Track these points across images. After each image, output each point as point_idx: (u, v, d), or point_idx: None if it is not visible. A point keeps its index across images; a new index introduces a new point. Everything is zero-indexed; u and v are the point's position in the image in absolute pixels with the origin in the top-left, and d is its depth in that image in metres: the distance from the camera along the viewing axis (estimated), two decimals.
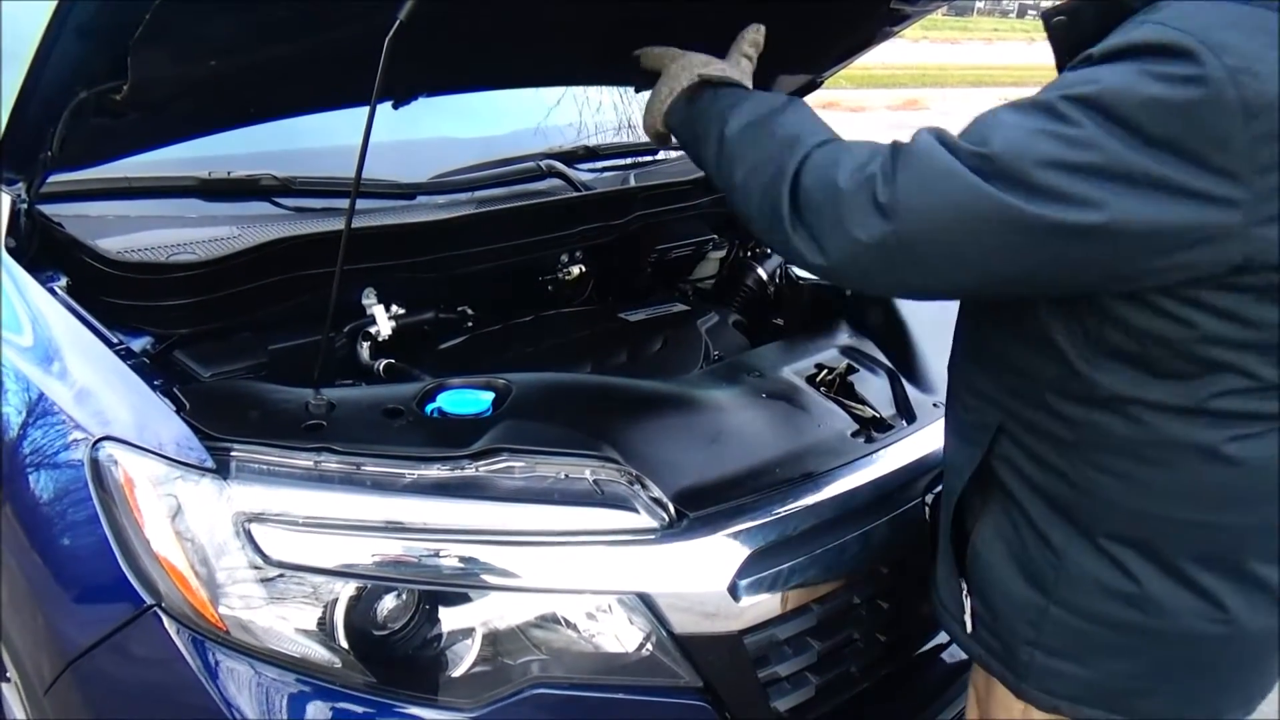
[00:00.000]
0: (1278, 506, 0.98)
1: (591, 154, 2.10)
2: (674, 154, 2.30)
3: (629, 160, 2.18)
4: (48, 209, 1.41)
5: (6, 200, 1.35)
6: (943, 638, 1.49)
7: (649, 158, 2.24)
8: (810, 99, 2.37)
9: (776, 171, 1.02)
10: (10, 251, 1.33)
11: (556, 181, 1.92)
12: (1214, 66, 0.81)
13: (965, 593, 1.17)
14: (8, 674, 1.49)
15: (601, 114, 2.35)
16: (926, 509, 1.41)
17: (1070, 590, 1.05)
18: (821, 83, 2.27)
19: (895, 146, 0.95)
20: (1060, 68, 1.03)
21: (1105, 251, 0.88)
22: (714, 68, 1.24)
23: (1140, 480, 0.99)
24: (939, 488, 1.42)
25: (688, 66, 1.24)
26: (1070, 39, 1.01)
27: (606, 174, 2.05)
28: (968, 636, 1.18)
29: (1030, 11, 38.62)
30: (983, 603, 1.14)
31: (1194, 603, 1.00)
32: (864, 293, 1.10)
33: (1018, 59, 19.31)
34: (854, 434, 1.46)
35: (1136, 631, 1.03)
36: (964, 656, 1.44)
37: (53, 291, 1.30)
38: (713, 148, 1.14)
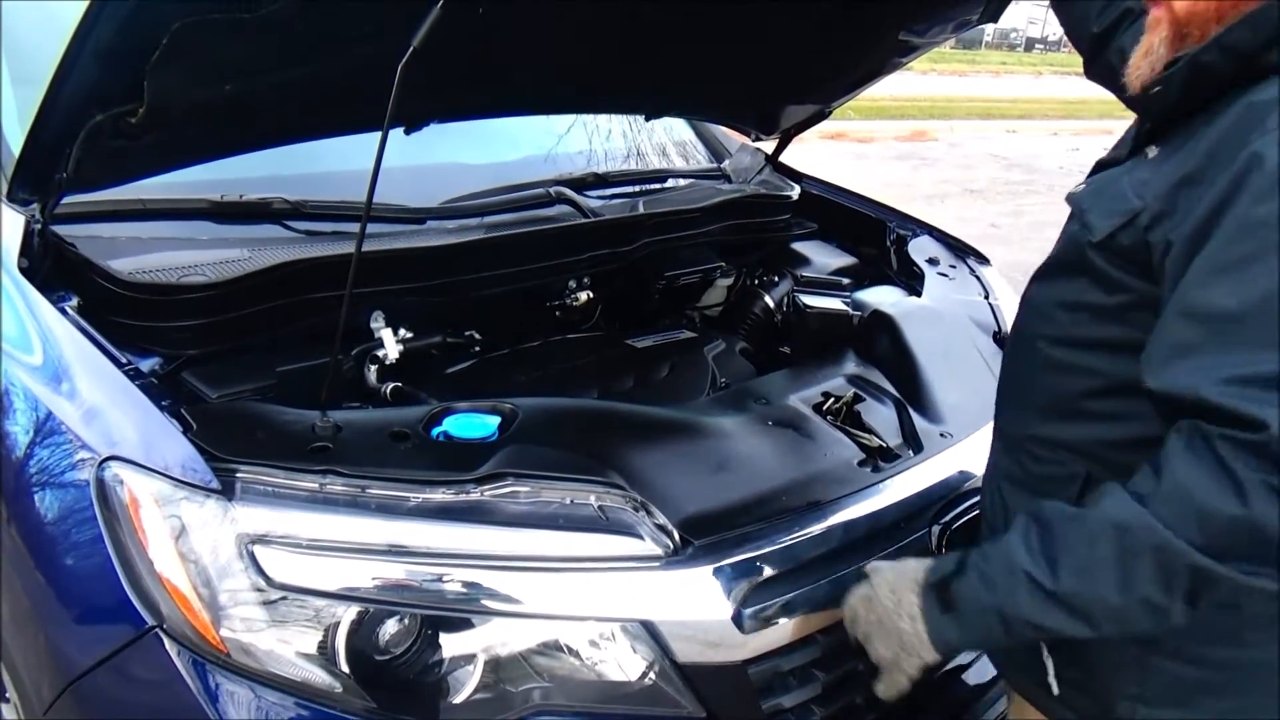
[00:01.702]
0: None
1: (601, 181, 2.11)
2: (682, 182, 2.31)
3: (638, 187, 2.19)
4: (61, 230, 1.42)
5: (21, 221, 1.36)
6: (944, 668, 1.47)
7: (657, 185, 2.25)
8: (818, 129, 2.41)
9: (1159, 561, 0.87)
10: (23, 271, 1.33)
11: (565, 208, 1.92)
12: None
13: (1046, 653, 1.11)
14: (7, 694, 1.49)
15: (611, 141, 2.36)
16: (933, 539, 1.40)
17: (1173, 636, 0.98)
18: (830, 113, 2.29)
19: (1249, 445, 0.81)
20: (1139, 130, 1.02)
21: None
22: (916, 570, 1.09)
23: None
24: (947, 518, 1.41)
25: (898, 588, 1.08)
26: (1157, 107, 1.00)
27: (615, 201, 2.06)
28: (1053, 699, 1.12)
29: (1038, 45, 38.89)
30: (1070, 661, 1.09)
31: None
32: None
33: (1025, 92, 19.42)
34: (860, 463, 1.45)
35: (1232, 666, 1.00)
36: (968, 687, 1.42)
37: (64, 311, 1.30)
38: (1046, 613, 0.95)
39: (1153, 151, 1.01)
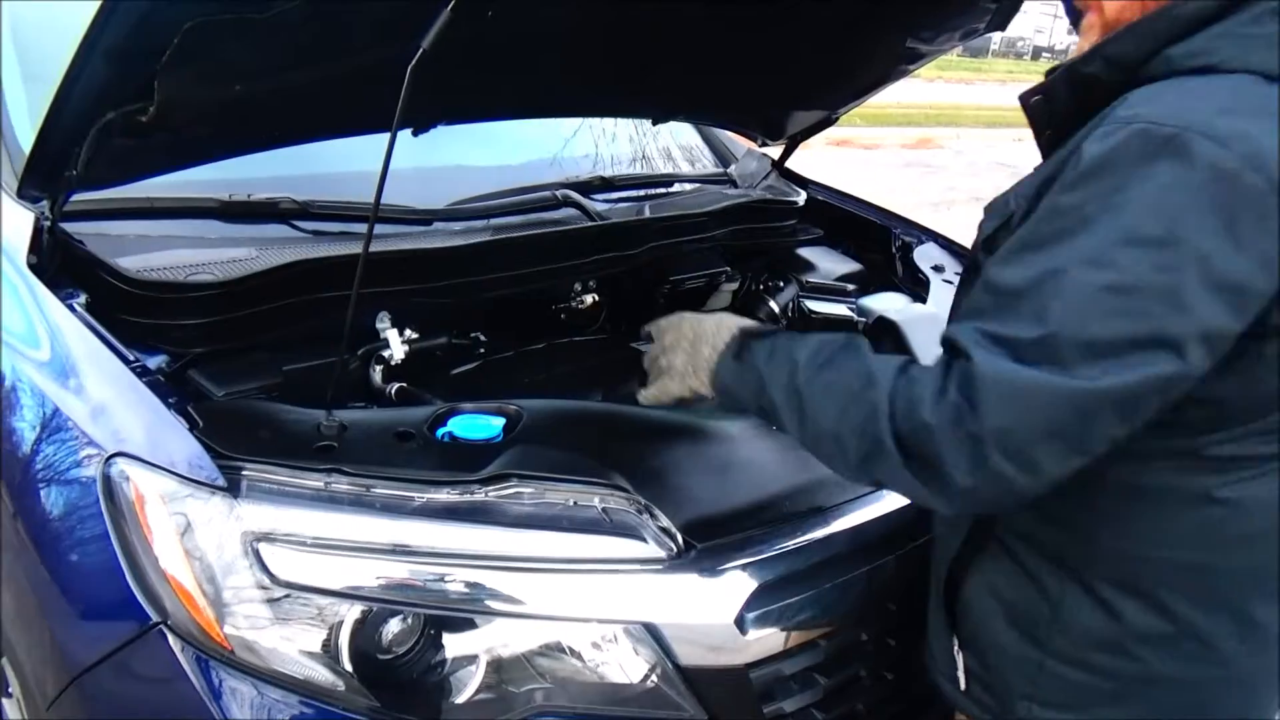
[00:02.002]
0: (1277, 546, 0.98)
1: (607, 184, 2.12)
2: (688, 186, 2.32)
3: (644, 191, 2.19)
4: (70, 227, 1.42)
5: (30, 218, 1.37)
6: None
7: (664, 189, 2.26)
8: (823, 136, 2.41)
9: (869, 414, 0.97)
10: (32, 268, 1.34)
11: (572, 211, 1.93)
12: (1226, 157, 0.82)
13: (957, 648, 1.17)
14: (10, 689, 1.49)
15: (617, 145, 2.37)
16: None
17: (1066, 641, 1.05)
18: (836, 119, 2.29)
19: (963, 373, 0.90)
20: (1038, 139, 1.06)
21: (1193, 376, 0.87)
22: (745, 321, 1.21)
23: (1136, 524, 1.00)
24: None
25: (722, 324, 1.20)
26: (1043, 116, 1.04)
27: (621, 204, 2.07)
28: (961, 694, 1.17)
29: (1045, 54, 38.91)
30: (976, 658, 1.14)
31: (1188, 646, 1.00)
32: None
33: None
34: None
35: (1132, 678, 1.02)
36: None
37: (72, 308, 1.31)
38: (782, 396, 1.08)
39: (1040, 162, 1.04)
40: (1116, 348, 0.85)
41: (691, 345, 1.22)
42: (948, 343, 0.95)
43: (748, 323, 1.21)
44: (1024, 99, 1.05)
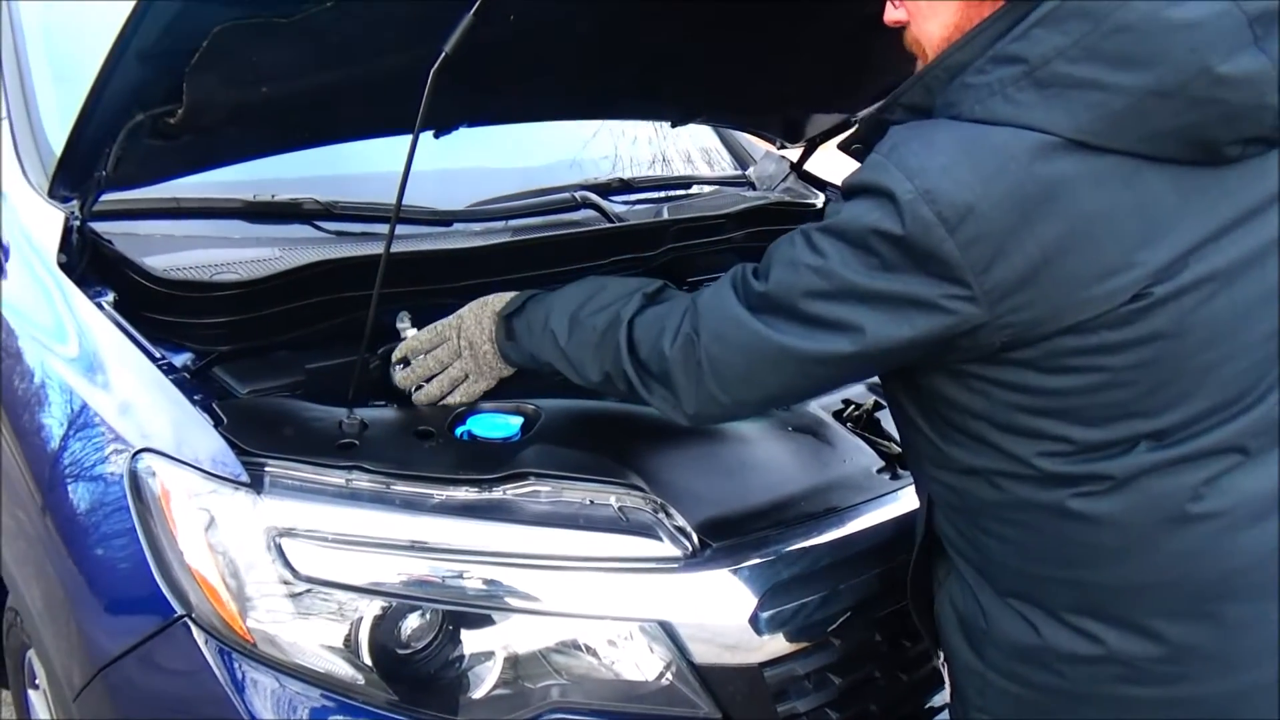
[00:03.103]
0: (1162, 560, 0.96)
1: (626, 186, 2.12)
2: (707, 188, 2.32)
3: (663, 193, 2.20)
4: (99, 226, 1.45)
5: (60, 217, 1.39)
6: None
7: (682, 191, 2.26)
8: (841, 138, 2.40)
9: (615, 352, 1.13)
10: (61, 266, 1.36)
11: (591, 212, 1.94)
12: (905, 190, 0.89)
13: (941, 660, 1.19)
14: (36, 680, 1.52)
15: (636, 147, 2.38)
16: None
17: (998, 653, 1.06)
18: (855, 122, 2.29)
19: (695, 301, 1.08)
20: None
21: (874, 363, 1.02)
22: (500, 301, 1.32)
23: (1014, 541, 1.01)
24: None
25: (481, 316, 1.32)
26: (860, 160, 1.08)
27: (640, 206, 2.07)
28: (949, 705, 1.20)
29: None
30: (950, 669, 1.16)
31: (1105, 663, 0.98)
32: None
33: None
34: (879, 470, 1.45)
35: (1056, 693, 1.02)
36: None
37: (100, 306, 1.33)
38: (556, 362, 1.23)
39: None
40: (809, 317, 0.97)
41: (471, 348, 1.33)
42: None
43: (498, 303, 1.31)
44: (844, 148, 1.14)
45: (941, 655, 1.19)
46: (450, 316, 1.35)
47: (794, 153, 2.45)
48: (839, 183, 1.03)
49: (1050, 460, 0.95)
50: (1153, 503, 0.94)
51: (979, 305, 0.90)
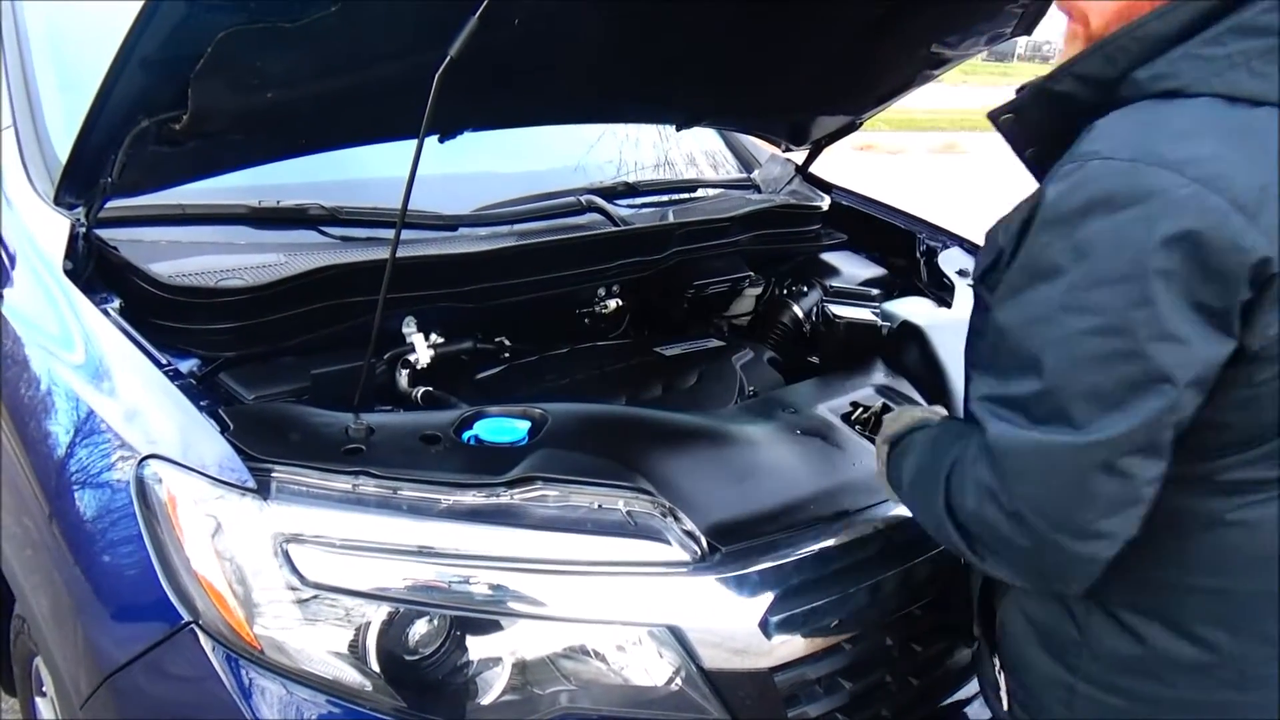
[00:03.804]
0: None
1: (631, 190, 2.12)
2: (712, 191, 2.32)
3: (668, 197, 2.20)
4: (104, 233, 1.45)
5: (66, 224, 1.39)
6: (975, 686, 1.46)
7: (687, 194, 2.26)
8: (848, 141, 2.41)
9: (939, 517, 1.00)
10: (67, 273, 1.37)
11: (596, 216, 1.94)
12: (1178, 184, 0.81)
13: (998, 669, 1.16)
14: (44, 687, 1.52)
15: (641, 151, 2.38)
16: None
17: (1095, 664, 1.03)
18: (861, 124, 2.29)
19: (983, 449, 0.92)
20: (1020, 158, 1.05)
21: (1190, 405, 0.86)
22: (904, 419, 1.22)
23: (1154, 548, 0.97)
24: None
25: (888, 424, 1.24)
26: (1020, 133, 1.03)
27: (645, 210, 2.07)
28: (1005, 714, 1.16)
29: None
30: (1015, 680, 1.13)
31: (1221, 671, 0.97)
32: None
33: None
34: None
35: (1165, 702, 1.00)
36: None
37: (106, 312, 1.33)
38: (904, 498, 1.15)
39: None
40: (1117, 393, 0.84)
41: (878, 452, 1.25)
42: (970, 415, 0.96)
43: (894, 423, 1.21)
44: (993, 117, 1.04)
45: (998, 663, 1.15)
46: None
47: (799, 155, 2.45)
48: (1032, 218, 0.90)
49: (1235, 470, 0.92)
50: None
51: (1260, 305, 0.83)
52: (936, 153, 11.46)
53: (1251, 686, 0.98)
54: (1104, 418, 0.84)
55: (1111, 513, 0.88)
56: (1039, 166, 1.02)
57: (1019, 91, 1.02)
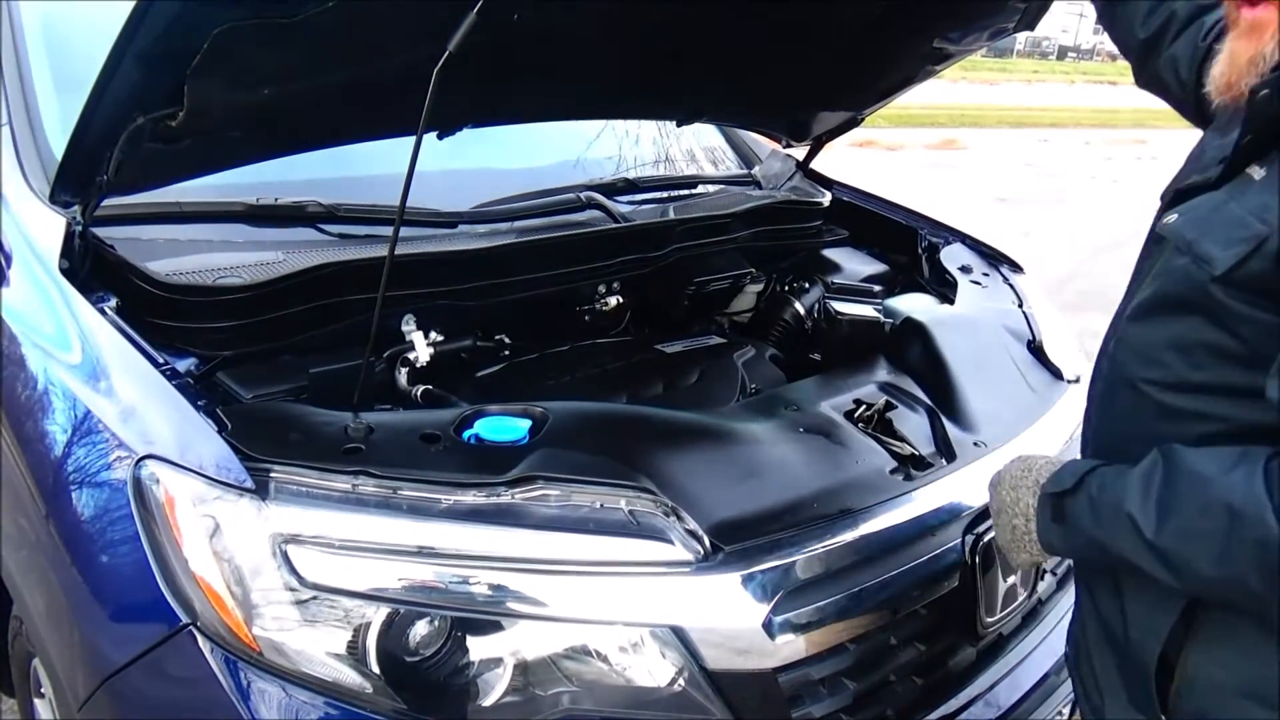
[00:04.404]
0: None
1: (631, 186, 2.12)
2: (712, 188, 2.31)
3: (668, 193, 2.19)
4: (101, 232, 1.44)
5: (62, 223, 1.38)
6: (981, 685, 1.45)
7: (688, 191, 2.25)
8: (846, 137, 2.40)
9: (1259, 553, 0.86)
10: (64, 272, 1.35)
11: (596, 213, 1.93)
12: None
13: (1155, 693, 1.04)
14: (42, 689, 1.51)
15: (641, 147, 2.37)
16: (965, 549, 1.38)
17: None
18: (862, 120, 2.28)
19: None
20: (1253, 136, 0.96)
21: None
22: (1039, 470, 1.12)
23: None
24: (980, 528, 1.40)
25: (1017, 486, 1.13)
26: (1263, 118, 0.94)
27: (646, 206, 2.06)
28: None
29: (1070, 54, 38.55)
30: (1187, 702, 1.01)
31: None
32: None
33: (1058, 101, 19.25)
34: (892, 471, 1.44)
35: None
36: (1006, 704, 1.41)
37: (102, 312, 1.32)
38: (1138, 557, 0.97)
39: (1259, 173, 0.94)
40: None
41: (1003, 522, 1.15)
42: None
43: (1039, 474, 1.11)
44: (1252, 92, 0.94)
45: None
46: (997, 473, 1.19)
47: (800, 151, 2.44)
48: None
49: None
50: None
51: None
52: (935, 149, 11.44)
53: None
54: None
55: None
56: (1247, 160, 0.95)
57: (1276, 70, 0.94)
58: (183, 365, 1.35)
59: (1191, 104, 1.24)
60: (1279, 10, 0.93)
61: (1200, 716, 1.01)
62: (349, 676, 1.10)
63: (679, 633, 1.15)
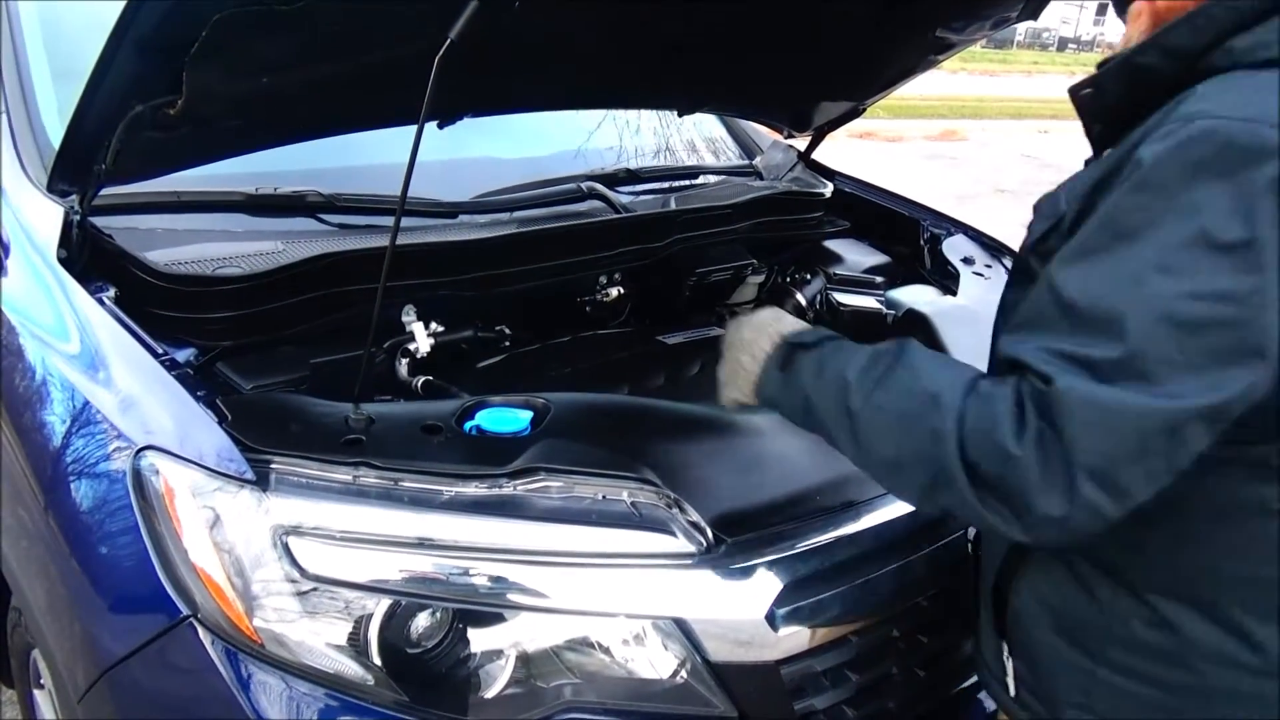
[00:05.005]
0: None
1: (632, 177, 2.11)
2: (714, 178, 2.30)
3: (669, 184, 2.18)
4: (99, 221, 1.43)
5: (60, 212, 1.37)
6: None
7: (689, 181, 2.24)
8: (847, 128, 2.39)
9: (931, 440, 0.91)
10: (61, 262, 1.35)
11: (597, 203, 1.92)
12: None
13: (1006, 653, 1.13)
14: (42, 680, 1.50)
15: (642, 137, 2.36)
16: (969, 542, 1.38)
17: (1120, 651, 1.01)
18: (864, 110, 2.27)
19: (1041, 397, 0.85)
20: (1088, 134, 1.03)
21: (1272, 378, 0.83)
22: (787, 324, 1.15)
23: (1196, 536, 0.96)
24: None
25: (762, 330, 1.15)
26: (1096, 111, 1.01)
27: (647, 197, 2.06)
28: (1011, 699, 1.14)
29: (1070, 45, 38.49)
30: (1026, 664, 1.11)
31: (1252, 660, 0.96)
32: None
33: (1058, 92, 19.20)
34: None
35: (1190, 690, 0.99)
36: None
37: (101, 301, 1.31)
38: (836, 419, 1.02)
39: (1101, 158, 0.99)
40: (1205, 361, 0.81)
41: (730, 352, 1.17)
42: (1012, 362, 0.89)
43: (791, 329, 1.14)
44: (1074, 91, 1.02)
45: (1006, 648, 1.13)
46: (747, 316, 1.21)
47: (801, 142, 2.43)
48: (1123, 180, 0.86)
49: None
50: None
51: None
52: (935, 139, 11.42)
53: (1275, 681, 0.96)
54: (1186, 384, 0.81)
55: (1150, 477, 0.85)
56: (1101, 145, 1.01)
57: (1101, 66, 0.99)
58: (182, 356, 1.34)
59: None
60: (1148, 4, 0.98)
61: (1024, 645, 1.09)
62: (350, 668, 1.10)
63: (681, 625, 1.15)
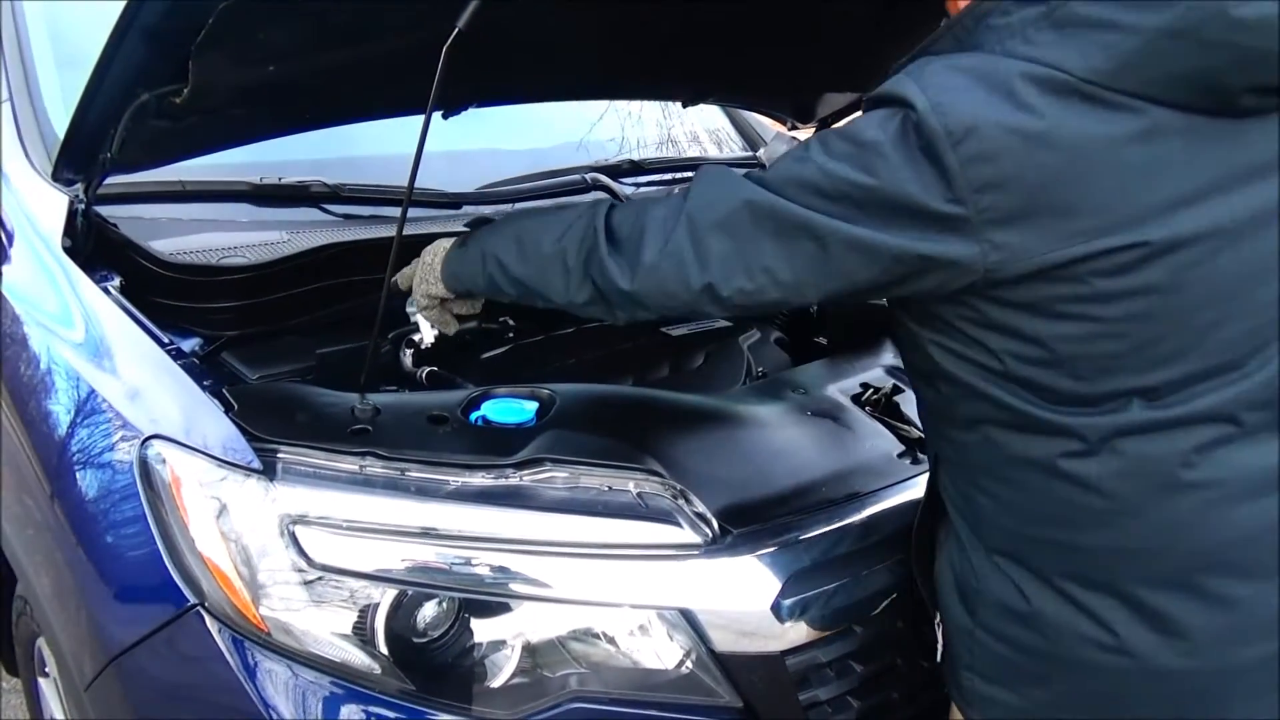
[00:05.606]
0: (1149, 527, 0.94)
1: (636, 168, 2.10)
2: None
3: (673, 175, 2.17)
4: (104, 210, 1.43)
5: (65, 201, 1.37)
6: None
7: (692, 173, 2.23)
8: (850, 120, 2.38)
9: (588, 223, 1.10)
10: (66, 251, 1.34)
11: (601, 194, 1.92)
12: (921, 102, 0.90)
13: (937, 621, 1.17)
14: (47, 669, 1.51)
15: (645, 129, 2.35)
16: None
17: (986, 612, 1.06)
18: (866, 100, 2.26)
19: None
20: None
21: (853, 272, 0.97)
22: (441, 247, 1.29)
23: (1006, 499, 1.01)
24: None
25: (434, 248, 1.30)
26: None
27: (650, 188, 2.05)
28: (937, 665, 1.18)
29: None
30: (944, 633, 1.16)
31: (1087, 628, 0.98)
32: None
33: None
34: (900, 455, 1.43)
35: (1042, 656, 1.02)
36: None
37: (106, 291, 1.31)
38: (505, 247, 1.18)
39: None
40: (797, 211, 0.97)
41: (425, 256, 1.30)
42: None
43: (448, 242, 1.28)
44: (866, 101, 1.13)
45: (937, 615, 1.18)
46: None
47: (805, 133, 2.42)
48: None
49: (1042, 410, 0.95)
50: (1144, 466, 0.93)
51: (970, 224, 0.90)
52: None
53: (1123, 652, 0.96)
54: (786, 195, 0.99)
55: (730, 266, 1.02)
56: None
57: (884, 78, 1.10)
58: (188, 345, 1.34)
59: None
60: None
61: (942, 612, 1.15)
62: (356, 657, 1.10)
63: (687, 615, 1.15)
